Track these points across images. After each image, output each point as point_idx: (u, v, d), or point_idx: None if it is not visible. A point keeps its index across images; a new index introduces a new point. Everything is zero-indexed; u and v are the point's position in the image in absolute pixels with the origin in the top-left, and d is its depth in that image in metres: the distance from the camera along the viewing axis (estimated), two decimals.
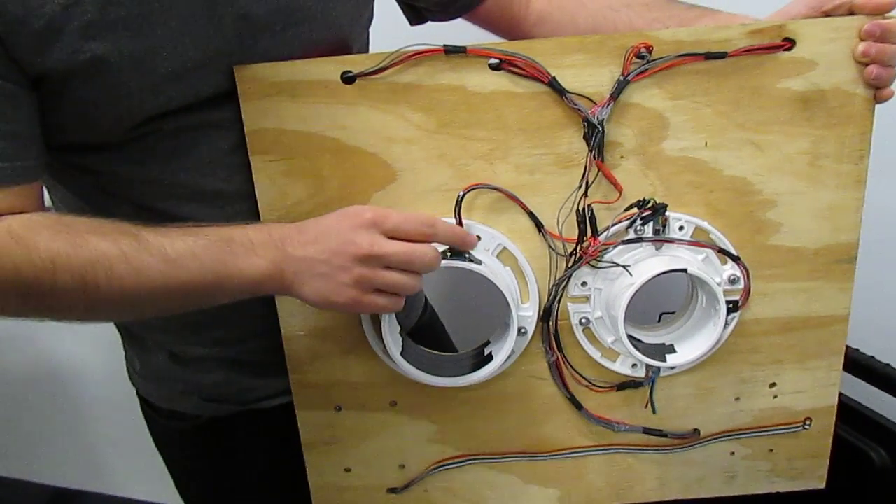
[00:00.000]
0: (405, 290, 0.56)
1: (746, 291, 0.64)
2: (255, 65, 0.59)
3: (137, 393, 0.74)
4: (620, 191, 0.62)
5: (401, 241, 0.55)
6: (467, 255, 0.61)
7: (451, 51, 0.59)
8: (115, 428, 1.43)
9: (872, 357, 0.85)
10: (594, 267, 0.63)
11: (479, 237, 0.63)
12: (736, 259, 0.63)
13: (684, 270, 0.60)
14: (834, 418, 0.71)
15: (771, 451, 0.73)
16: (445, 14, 0.73)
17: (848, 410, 0.72)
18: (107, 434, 1.48)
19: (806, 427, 0.71)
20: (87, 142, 0.57)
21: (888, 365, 0.84)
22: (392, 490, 0.73)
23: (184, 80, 0.56)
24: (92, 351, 1.35)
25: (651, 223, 0.62)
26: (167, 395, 0.71)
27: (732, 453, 0.73)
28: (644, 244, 0.63)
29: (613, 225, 0.62)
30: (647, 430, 0.71)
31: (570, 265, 0.64)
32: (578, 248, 0.63)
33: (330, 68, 0.60)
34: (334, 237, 0.55)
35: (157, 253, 0.52)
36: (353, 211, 0.56)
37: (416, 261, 0.55)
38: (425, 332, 0.78)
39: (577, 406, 0.69)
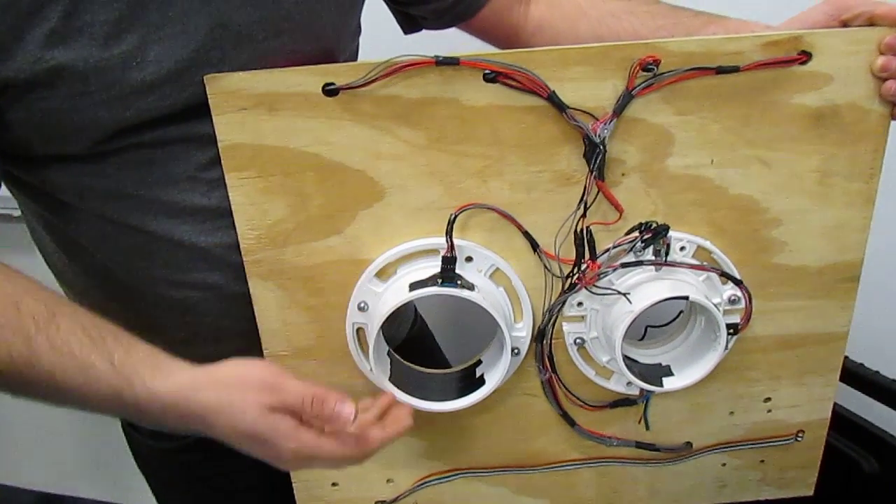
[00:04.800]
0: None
1: (747, 314, 0.62)
2: (227, 74, 0.54)
3: None
4: (621, 212, 0.59)
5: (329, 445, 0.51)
6: (459, 282, 0.58)
7: (443, 62, 0.54)
8: (106, 431, 1.40)
9: (861, 364, 0.84)
10: (592, 293, 0.60)
11: (471, 258, 0.60)
12: (738, 283, 0.61)
13: (686, 298, 0.58)
14: (826, 430, 0.71)
15: (762, 461, 0.72)
16: (441, 22, 0.68)
17: (837, 418, 0.72)
18: (96, 438, 1.45)
19: (798, 439, 0.71)
20: (56, 154, 0.53)
21: (877, 372, 0.83)
22: (380, 503, 0.72)
23: (156, 91, 0.52)
24: None
25: (651, 246, 0.59)
26: None
27: (724, 464, 0.72)
28: (644, 266, 0.60)
29: (612, 248, 0.59)
30: (639, 445, 0.70)
31: (566, 288, 0.61)
32: (576, 272, 0.60)
33: (311, 79, 0.55)
34: (258, 449, 0.51)
35: (47, 377, 0.47)
36: (272, 442, 0.50)
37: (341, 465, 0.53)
38: (414, 345, 0.75)
39: (571, 423, 0.68)
